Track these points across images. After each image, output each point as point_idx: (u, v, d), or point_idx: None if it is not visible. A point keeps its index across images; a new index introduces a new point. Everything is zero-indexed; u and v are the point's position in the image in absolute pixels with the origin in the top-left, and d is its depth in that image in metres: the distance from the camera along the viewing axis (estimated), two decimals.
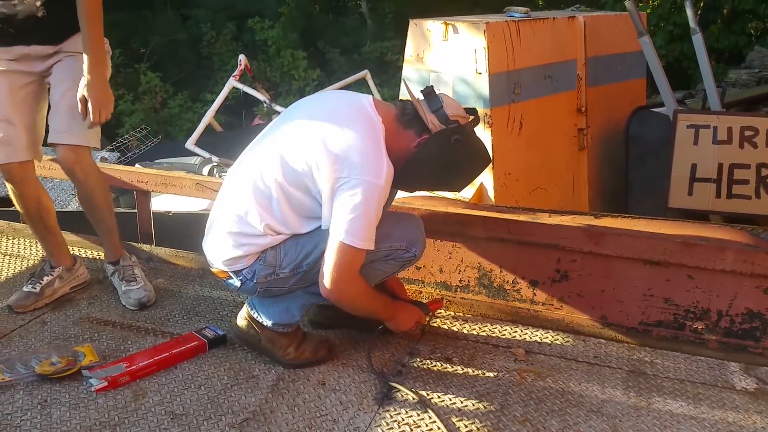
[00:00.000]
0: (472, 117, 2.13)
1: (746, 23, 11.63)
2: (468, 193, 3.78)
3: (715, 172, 3.78)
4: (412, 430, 1.97)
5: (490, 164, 3.55)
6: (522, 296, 2.60)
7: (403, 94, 3.93)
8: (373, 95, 2.14)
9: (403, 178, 2.09)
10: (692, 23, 4.65)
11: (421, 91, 2.11)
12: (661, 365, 2.32)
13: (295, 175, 1.99)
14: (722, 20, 11.59)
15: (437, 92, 2.11)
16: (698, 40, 4.58)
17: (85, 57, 2.39)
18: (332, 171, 1.94)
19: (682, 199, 3.83)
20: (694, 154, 3.84)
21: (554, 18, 4.18)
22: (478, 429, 1.98)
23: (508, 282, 2.62)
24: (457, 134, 2.05)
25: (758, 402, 2.13)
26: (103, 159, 6.44)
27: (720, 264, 2.36)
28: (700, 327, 2.41)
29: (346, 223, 1.92)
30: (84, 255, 3.13)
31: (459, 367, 2.28)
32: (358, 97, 2.10)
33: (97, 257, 3.12)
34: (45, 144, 2.61)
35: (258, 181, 2.03)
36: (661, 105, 4.54)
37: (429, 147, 2.04)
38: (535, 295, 2.58)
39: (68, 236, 3.22)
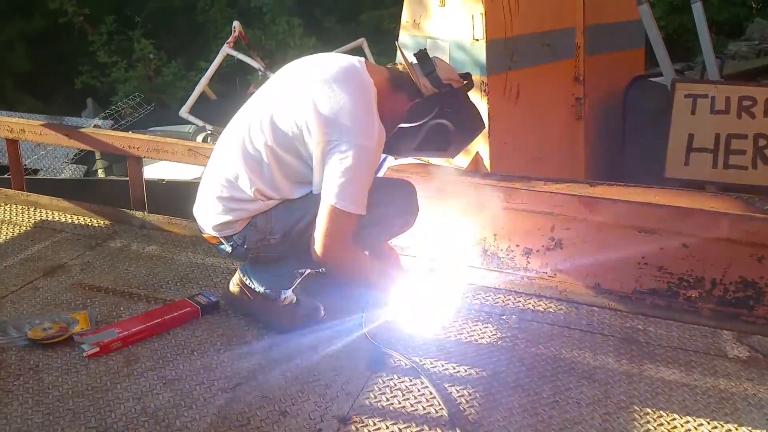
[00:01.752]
0: (465, 81, 2.10)
1: None
2: (464, 162, 3.75)
3: (712, 143, 3.75)
4: (404, 395, 1.97)
5: (486, 132, 3.53)
6: (516, 264, 2.59)
7: (399, 60, 3.88)
8: (367, 60, 2.11)
9: (395, 143, 2.06)
10: None
11: (414, 55, 2.07)
12: (654, 333, 2.33)
13: (286, 139, 1.96)
14: None
15: (431, 56, 2.07)
16: (698, 10, 4.52)
17: None
18: (323, 134, 1.91)
19: (678, 169, 3.80)
20: (692, 123, 3.81)
21: None
22: (470, 394, 1.98)
23: (502, 250, 2.61)
24: (450, 98, 2.02)
25: (750, 370, 2.14)
26: (96, 126, 6.38)
27: (714, 232, 2.35)
28: (693, 295, 2.40)
29: (337, 187, 1.90)
30: (76, 222, 3.11)
31: (452, 334, 2.28)
32: (351, 60, 2.06)
33: (90, 224, 3.10)
34: None
35: (248, 145, 2.01)
36: (660, 75, 4.50)
37: (421, 111, 2.01)
38: (529, 263, 2.58)
39: (60, 203, 3.22)
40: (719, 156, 3.73)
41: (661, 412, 1.94)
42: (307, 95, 1.96)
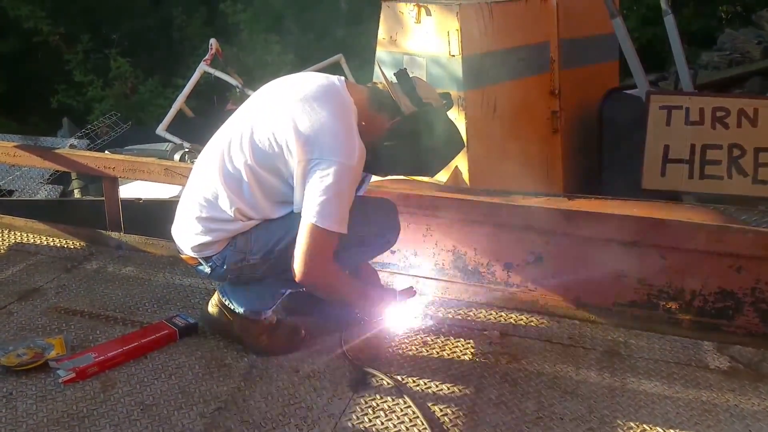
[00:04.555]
0: (444, 101, 2.10)
1: (717, 7, 11.71)
2: (442, 177, 3.75)
3: (688, 153, 3.79)
4: (386, 415, 1.95)
5: (464, 147, 3.55)
6: (497, 279, 2.59)
7: (377, 77, 3.88)
8: (347, 79, 2.11)
9: (375, 162, 2.05)
10: (664, 5, 4.65)
11: (394, 74, 2.07)
12: (636, 345, 2.33)
13: (266, 158, 1.95)
14: (693, 4, 11.66)
15: (410, 75, 2.07)
16: (670, 22, 4.58)
17: None
18: (303, 152, 1.90)
19: (655, 180, 3.84)
20: (667, 135, 3.85)
21: None
22: (453, 413, 1.97)
23: (482, 265, 2.60)
24: (430, 117, 2.02)
25: (731, 380, 2.15)
26: (72, 146, 6.30)
27: (692, 244, 2.36)
28: (673, 307, 2.41)
29: (317, 205, 1.89)
30: (51, 244, 3.06)
31: (434, 351, 2.26)
32: (330, 79, 2.06)
33: (65, 246, 3.05)
34: None
35: (228, 164, 1.99)
36: (634, 87, 4.55)
37: (401, 129, 2.01)
38: (510, 277, 2.57)
39: (35, 225, 3.16)
40: (695, 166, 3.77)
41: (644, 425, 1.94)
42: (287, 114, 1.95)
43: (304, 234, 1.92)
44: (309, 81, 2.07)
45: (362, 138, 1.97)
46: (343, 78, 2.08)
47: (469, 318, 2.47)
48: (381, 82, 2.09)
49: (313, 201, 1.90)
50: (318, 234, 1.91)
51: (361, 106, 2.02)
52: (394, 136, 2.03)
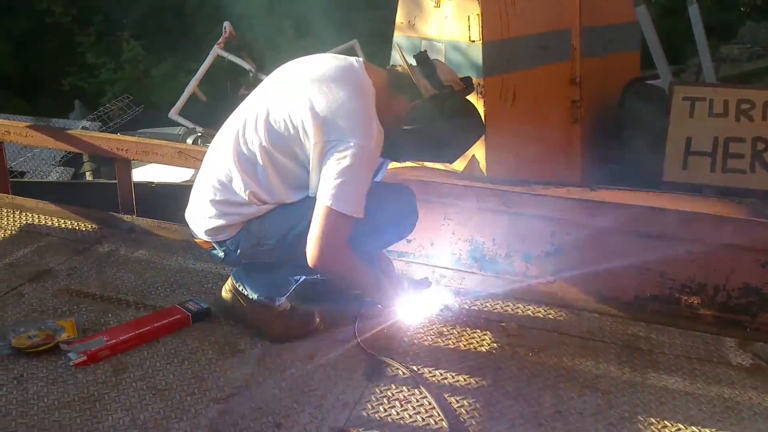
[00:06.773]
0: (465, 85, 2.05)
1: None
2: (459, 165, 3.70)
3: (711, 146, 3.70)
4: (402, 405, 1.91)
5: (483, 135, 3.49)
6: (515, 269, 2.54)
7: (395, 61, 3.82)
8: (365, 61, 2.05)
9: (393, 146, 2.01)
10: None
11: (414, 56, 2.02)
12: (656, 340, 2.28)
13: (281, 140, 1.91)
14: None
15: (431, 58, 2.02)
16: (695, 11, 4.49)
17: None
18: (320, 134, 1.85)
19: (676, 173, 3.75)
20: (690, 127, 3.76)
21: None
22: (469, 404, 1.93)
23: (501, 255, 2.56)
24: (450, 100, 1.97)
25: (754, 378, 2.10)
26: (84, 128, 6.29)
27: (718, 238, 2.31)
28: (696, 302, 2.36)
29: (333, 188, 1.84)
30: (63, 226, 3.04)
31: (450, 342, 2.22)
32: (348, 59, 2.01)
33: (77, 228, 3.02)
34: None
35: (242, 146, 1.95)
36: (656, 78, 4.47)
37: (421, 113, 1.96)
38: (529, 268, 2.53)
39: (47, 206, 3.14)
40: (717, 159, 3.68)
41: (665, 422, 1.90)
42: (303, 94, 1.90)
43: (319, 217, 1.88)
44: (326, 62, 2.02)
45: (380, 120, 1.92)
46: (361, 59, 2.03)
47: (486, 309, 2.43)
48: (400, 65, 2.03)
49: (329, 183, 1.85)
50: (333, 217, 1.87)
51: (379, 88, 1.97)
52: (414, 120, 1.97)
